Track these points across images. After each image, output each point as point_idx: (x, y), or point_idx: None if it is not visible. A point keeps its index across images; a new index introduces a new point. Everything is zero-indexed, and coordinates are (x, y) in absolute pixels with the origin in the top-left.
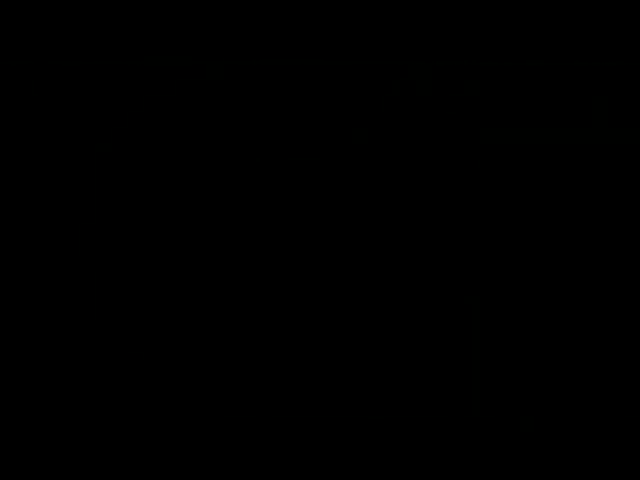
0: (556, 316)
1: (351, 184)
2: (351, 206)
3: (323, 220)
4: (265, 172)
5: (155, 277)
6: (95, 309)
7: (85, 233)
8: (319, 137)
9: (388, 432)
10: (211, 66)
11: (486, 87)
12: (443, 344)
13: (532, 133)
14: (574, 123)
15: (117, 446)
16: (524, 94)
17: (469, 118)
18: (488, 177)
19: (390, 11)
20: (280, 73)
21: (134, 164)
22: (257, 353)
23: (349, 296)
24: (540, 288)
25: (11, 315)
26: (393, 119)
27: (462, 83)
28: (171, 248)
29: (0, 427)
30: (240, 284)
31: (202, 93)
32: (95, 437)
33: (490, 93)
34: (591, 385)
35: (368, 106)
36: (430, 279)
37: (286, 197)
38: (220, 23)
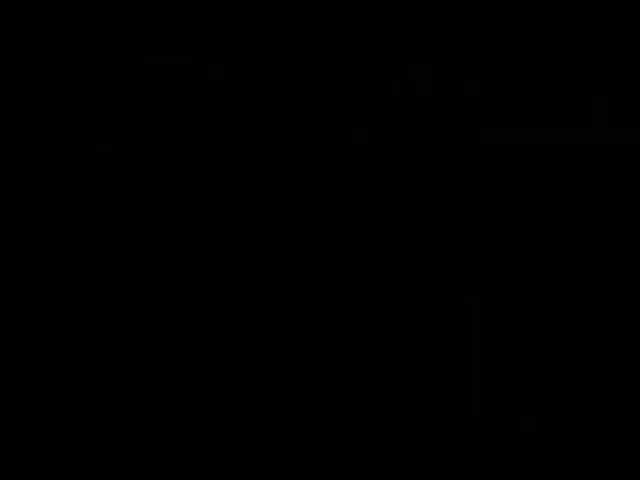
0: (556, 316)
1: (351, 184)
2: (351, 206)
3: (323, 220)
4: (265, 172)
5: (155, 277)
6: (95, 309)
7: (85, 233)
8: (319, 137)
9: (388, 432)
10: (211, 66)
11: (486, 87)
12: (443, 344)
13: (532, 133)
14: (574, 123)
15: (117, 446)
16: (524, 94)
17: (469, 118)
18: (488, 177)
19: (390, 11)
20: (280, 73)
21: (134, 164)
22: (257, 353)
23: (349, 296)
24: (540, 288)
25: (11, 315)
26: (393, 119)
27: (462, 83)
28: (171, 248)
29: (0, 427)
30: (240, 284)
31: (202, 93)
32: (95, 437)
33: (490, 93)
34: (591, 385)
35: (368, 106)
36: (430, 279)
37: (286, 197)
38: (220, 23)
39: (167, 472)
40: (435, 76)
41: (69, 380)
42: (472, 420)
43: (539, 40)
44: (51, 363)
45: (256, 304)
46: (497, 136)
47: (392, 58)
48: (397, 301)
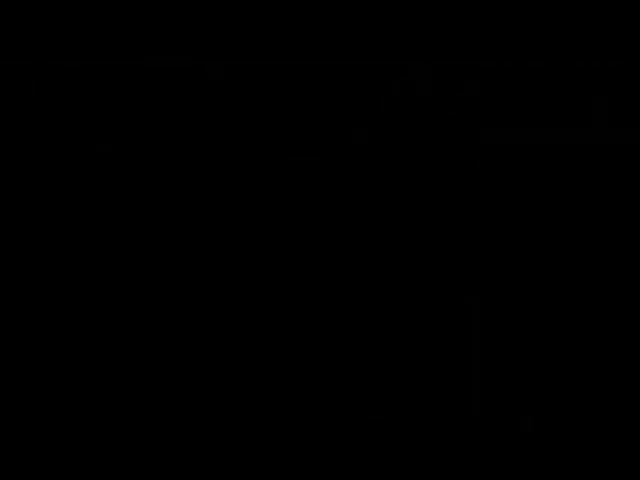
0: (556, 316)
1: (351, 184)
2: (351, 206)
3: (323, 220)
4: (265, 172)
5: (155, 277)
6: (95, 309)
7: (85, 233)
8: (319, 137)
9: (388, 432)
10: (211, 66)
11: (486, 87)
12: (443, 344)
13: (532, 133)
14: (574, 123)
15: (117, 446)
16: (524, 94)
17: (469, 118)
18: (488, 177)
19: (390, 11)
20: (280, 73)
21: (134, 164)
22: (257, 353)
23: (349, 296)
24: (540, 288)
25: (11, 315)
26: (393, 119)
27: (462, 83)
28: (171, 248)
29: (0, 427)
30: (240, 284)
31: (202, 93)
32: (95, 437)
33: (490, 93)
34: (591, 385)
35: (368, 106)
36: (430, 279)
37: (286, 197)
38: (220, 23)
39: (167, 472)
40: (435, 76)
41: (69, 380)
42: (472, 420)
43: (539, 40)
44: (51, 363)
45: (256, 304)
46: (497, 136)
47: (392, 58)
48: (397, 301)
